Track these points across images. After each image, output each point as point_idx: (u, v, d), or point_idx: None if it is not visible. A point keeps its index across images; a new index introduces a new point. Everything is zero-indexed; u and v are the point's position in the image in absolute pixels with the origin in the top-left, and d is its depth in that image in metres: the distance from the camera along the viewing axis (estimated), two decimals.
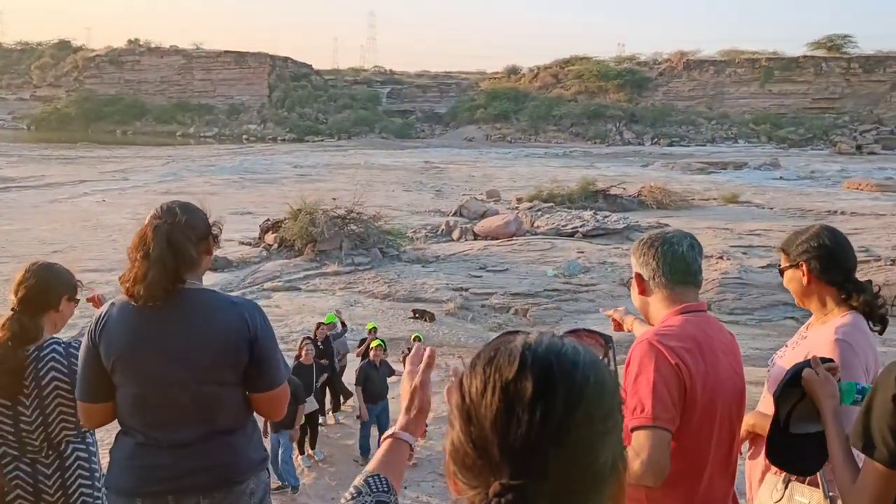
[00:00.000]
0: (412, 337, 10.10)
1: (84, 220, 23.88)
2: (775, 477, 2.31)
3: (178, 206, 2.28)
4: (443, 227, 23.11)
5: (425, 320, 14.27)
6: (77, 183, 33.28)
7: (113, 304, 2.26)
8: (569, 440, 0.86)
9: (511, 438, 0.86)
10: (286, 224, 19.36)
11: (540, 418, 0.85)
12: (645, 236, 2.22)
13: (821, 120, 66.98)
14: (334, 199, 23.79)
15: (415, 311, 14.61)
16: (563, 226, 22.74)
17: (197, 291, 2.23)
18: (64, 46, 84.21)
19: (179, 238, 2.17)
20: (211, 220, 2.36)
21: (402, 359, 10.19)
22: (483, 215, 24.77)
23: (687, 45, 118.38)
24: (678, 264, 2.11)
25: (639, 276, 2.17)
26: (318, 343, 9.55)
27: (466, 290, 16.50)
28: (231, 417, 2.29)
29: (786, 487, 2.25)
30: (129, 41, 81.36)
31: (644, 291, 2.17)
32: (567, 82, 75.47)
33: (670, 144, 63.39)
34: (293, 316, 13.90)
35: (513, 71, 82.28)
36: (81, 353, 2.33)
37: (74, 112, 72.91)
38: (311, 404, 8.83)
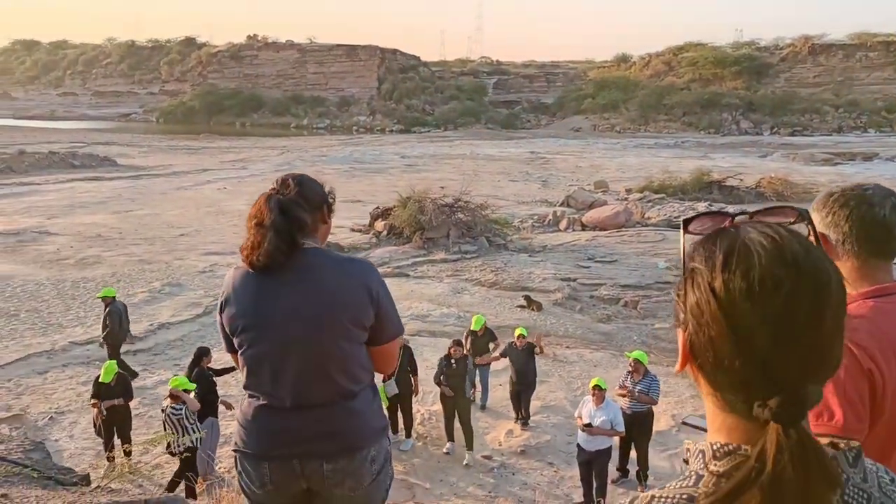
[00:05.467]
0: (516, 333, 9.84)
1: (207, 206, 25.26)
2: None
3: (291, 177, 2.37)
4: (550, 217, 22.83)
5: (532, 309, 14.16)
6: (200, 172, 35.27)
7: (238, 268, 2.33)
8: (838, 336, 0.83)
9: (797, 334, 0.80)
10: (395, 212, 19.72)
11: (815, 311, 0.81)
12: (836, 190, 1.85)
13: None
14: (442, 188, 24.01)
15: (525, 297, 14.53)
16: (675, 217, 21.94)
17: (315, 251, 2.29)
18: (189, 43, 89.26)
19: (291, 206, 2.25)
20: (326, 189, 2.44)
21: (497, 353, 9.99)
22: (591, 206, 24.30)
23: (811, 30, 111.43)
24: (877, 231, 1.76)
25: (823, 236, 1.81)
26: (453, 361, 8.71)
27: (574, 280, 16.26)
28: (353, 380, 2.32)
29: None
30: (249, 37, 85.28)
31: (829, 255, 1.84)
32: (680, 70, 72.89)
33: (791, 134, 59.98)
34: (402, 301, 14.13)
35: (623, 59, 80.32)
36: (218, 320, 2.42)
37: (198, 105, 77.32)
38: (392, 387, 8.74)
